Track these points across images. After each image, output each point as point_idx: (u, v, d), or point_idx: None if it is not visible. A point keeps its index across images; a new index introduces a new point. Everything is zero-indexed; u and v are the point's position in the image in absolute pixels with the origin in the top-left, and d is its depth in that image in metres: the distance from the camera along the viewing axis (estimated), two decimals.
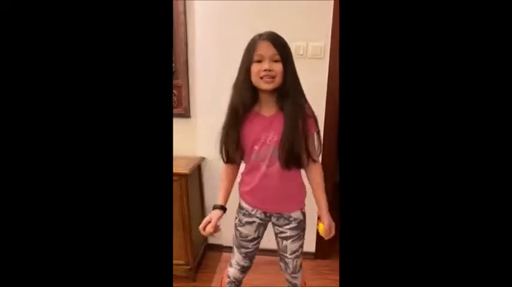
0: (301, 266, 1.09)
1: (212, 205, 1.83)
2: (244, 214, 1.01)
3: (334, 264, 1.69)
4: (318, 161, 0.97)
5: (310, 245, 1.70)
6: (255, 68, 0.84)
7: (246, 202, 1.00)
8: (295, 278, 1.09)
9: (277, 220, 1.00)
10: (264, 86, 0.84)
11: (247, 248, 1.03)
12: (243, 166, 1.01)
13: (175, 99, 1.52)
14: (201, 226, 0.93)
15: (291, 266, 1.06)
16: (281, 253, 1.05)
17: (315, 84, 1.44)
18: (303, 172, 0.98)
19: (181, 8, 1.40)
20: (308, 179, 0.99)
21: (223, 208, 0.97)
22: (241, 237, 1.02)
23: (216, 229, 0.92)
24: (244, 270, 1.07)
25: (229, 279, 1.09)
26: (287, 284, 1.13)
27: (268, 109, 0.90)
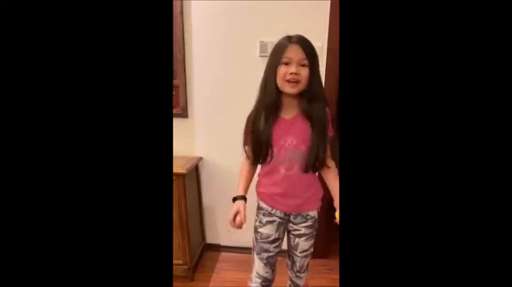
0: (308, 267, 1.09)
1: (210, 205, 1.84)
2: (264, 214, 1.01)
3: (331, 263, 1.69)
4: (334, 165, 0.98)
5: None
6: (282, 70, 0.84)
7: (266, 203, 1.00)
8: (299, 277, 1.09)
9: (294, 218, 1.00)
10: (288, 90, 0.85)
11: (269, 251, 1.01)
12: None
13: (173, 99, 1.52)
14: (230, 218, 0.91)
15: (298, 264, 1.06)
16: (291, 250, 1.06)
17: None
18: None
19: (178, 9, 1.41)
20: (323, 175, 0.99)
21: (244, 198, 0.96)
22: (262, 239, 1.01)
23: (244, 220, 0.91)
24: (265, 283, 1.03)
25: None
26: (289, 283, 1.13)
27: (289, 112, 0.91)
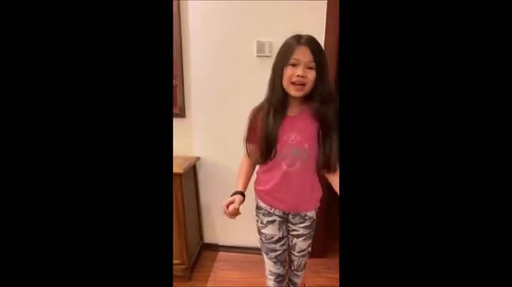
0: (305, 265, 1.10)
1: (208, 205, 1.84)
2: (264, 214, 1.01)
3: (329, 262, 1.70)
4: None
5: None
6: (288, 71, 0.83)
7: (264, 201, 1.00)
8: (296, 276, 1.10)
9: (293, 218, 1.01)
10: (293, 93, 0.85)
11: (276, 250, 1.02)
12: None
13: None
14: (224, 203, 0.89)
15: (295, 263, 1.07)
16: (289, 250, 1.06)
17: None
18: None
19: (175, 9, 1.41)
20: (329, 178, 0.98)
21: (242, 194, 0.94)
22: (267, 240, 1.01)
23: (238, 211, 0.89)
24: (279, 279, 1.05)
25: None
26: (286, 281, 1.14)
27: (293, 109, 0.91)
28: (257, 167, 1.02)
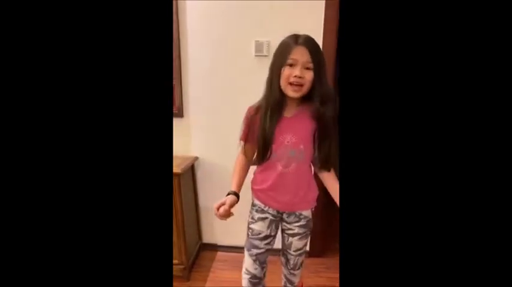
0: (302, 264, 1.09)
1: (206, 205, 1.84)
2: (257, 210, 1.01)
3: (328, 262, 1.70)
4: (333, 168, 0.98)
5: None
6: (286, 71, 0.83)
7: (259, 199, 1.00)
8: (293, 275, 1.09)
9: (287, 217, 1.00)
10: (291, 94, 0.84)
11: (259, 247, 1.02)
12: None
13: None
14: (215, 205, 0.89)
15: (291, 262, 1.06)
16: (285, 249, 1.06)
17: None
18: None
19: (174, 8, 1.41)
20: (323, 177, 0.99)
21: (236, 195, 0.94)
22: (253, 235, 1.01)
23: (229, 213, 0.89)
24: (254, 280, 1.04)
25: None
26: (284, 280, 1.13)
27: (290, 110, 0.90)
28: (255, 167, 1.02)
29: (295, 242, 1.02)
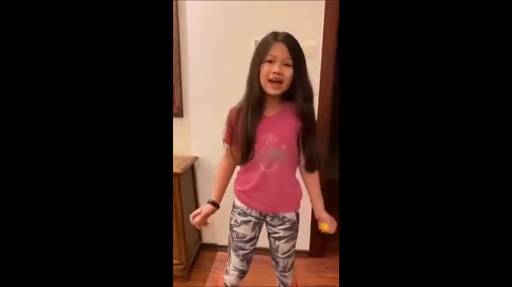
0: (292, 265, 1.09)
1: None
2: (239, 213, 1.00)
3: (328, 262, 1.70)
4: (317, 169, 0.98)
5: (304, 243, 1.71)
6: (265, 68, 0.82)
7: (242, 201, 0.99)
8: (285, 277, 1.09)
9: (271, 220, 0.99)
10: (270, 91, 0.84)
11: (245, 249, 1.01)
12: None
13: None
14: (191, 215, 0.94)
15: (281, 265, 1.05)
16: (273, 252, 1.05)
17: None
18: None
19: (174, 8, 1.40)
20: (305, 180, 1.00)
21: (215, 205, 0.97)
22: (238, 238, 1.01)
23: (205, 222, 0.94)
24: (242, 275, 1.05)
25: None
26: (278, 282, 1.13)
27: (271, 109, 0.90)
28: (238, 167, 1.02)
29: (282, 246, 1.01)
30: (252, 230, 1.00)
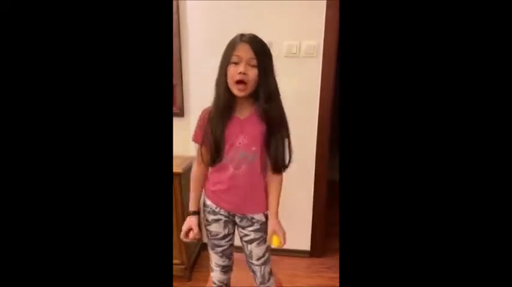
0: (271, 273, 1.08)
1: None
2: (209, 212, 1.00)
3: (329, 262, 1.70)
4: (282, 172, 0.95)
5: (305, 243, 1.71)
6: (231, 69, 0.83)
7: (211, 200, 0.99)
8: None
9: (240, 221, 0.99)
10: (236, 93, 0.84)
11: (221, 246, 1.03)
12: None
13: None
14: (182, 235, 0.97)
15: (258, 274, 1.04)
16: (248, 260, 1.04)
17: (308, 83, 1.45)
18: None
19: (174, 7, 1.40)
20: (268, 181, 0.98)
21: (197, 213, 0.99)
22: (212, 236, 1.02)
23: (198, 235, 0.96)
24: (225, 270, 1.07)
25: (215, 285, 1.09)
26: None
27: (243, 111, 0.90)
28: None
29: (255, 250, 1.00)
30: (224, 228, 1.00)
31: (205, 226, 1.03)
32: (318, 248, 1.72)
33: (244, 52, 0.82)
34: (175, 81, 1.50)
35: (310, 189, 1.60)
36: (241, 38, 0.83)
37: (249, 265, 1.06)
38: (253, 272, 1.05)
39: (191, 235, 0.95)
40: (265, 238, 1.01)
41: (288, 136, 0.93)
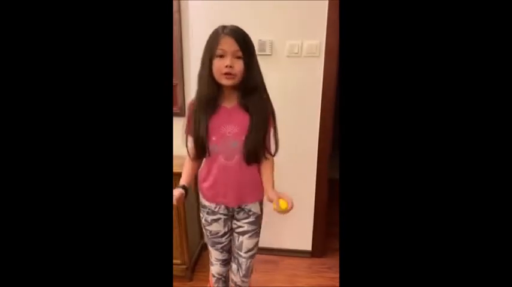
0: (251, 270, 1.09)
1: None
2: (208, 213, 1.01)
3: (330, 262, 1.69)
4: (271, 157, 0.96)
5: (306, 243, 1.70)
6: (216, 63, 0.83)
7: (208, 199, 0.99)
8: (245, 282, 1.08)
9: (237, 214, 1.00)
10: (226, 82, 0.84)
11: (221, 243, 1.04)
12: None
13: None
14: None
15: (244, 267, 1.05)
16: (236, 251, 1.05)
17: (310, 82, 1.45)
18: None
19: (175, 7, 1.40)
20: (260, 172, 0.98)
21: (185, 188, 0.93)
22: (212, 235, 1.03)
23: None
24: (225, 263, 1.09)
25: (215, 277, 1.11)
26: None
27: (229, 101, 0.90)
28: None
29: (246, 241, 1.01)
30: (224, 226, 1.01)
31: (204, 226, 1.03)
32: (319, 248, 1.71)
33: (228, 45, 0.82)
34: (176, 81, 1.49)
35: (311, 189, 1.60)
36: (224, 30, 0.83)
37: (236, 256, 1.06)
38: (239, 264, 1.05)
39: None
40: (258, 232, 1.03)
41: (274, 127, 0.93)
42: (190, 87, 1.53)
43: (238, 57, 0.83)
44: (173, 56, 1.46)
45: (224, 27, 0.84)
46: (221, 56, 0.82)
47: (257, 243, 1.05)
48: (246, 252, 1.03)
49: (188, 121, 0.94)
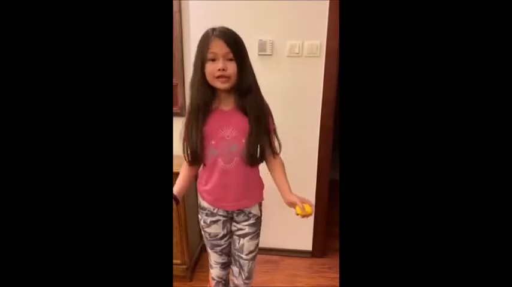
0: (253, 272, 1.08)
1: None
2: (207, 214, 0.99)
3: (330, 262, 1.69)
4: (279, 156, 0.97)
5: (307, 243, 1.70)
6: (209, 67, 0.82)
7: (207, 201, 0.98)
8: (247, 284, 1.07)
9: (237, 216, 0.99)
10: (220, 86, 0.83)
11: (220, 245, 1.03)
12: None
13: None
14: None
15: (246, 269, 1.04)
16: (237, 253, 1.04)
17: (311, 82, 1.45)
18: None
19: (176, 7, 1.40)
20: (270, 171, 0.99)
21: (175, 199, 0.91)
22: (211, 237, 1.02)
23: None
24: (224, 266, 1.08)
25: (214, 280, 1.10)
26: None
27: (226, 104, 0.89)
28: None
29: (247, 244, 1.01)
30: (223, 228, 1.01)
31: (203, 228, 1.02)
32: (320, 248, 1.71)
33: (219, 48, 0.80)
34: (176, 81, 1.50)
35: (312, 189, 1.60)
36: (213, 32, 0.81)
37: (236, 258, 1.05)
38: (241, 266, 1.04)
39: None
40: (258, 233, 1.02)
41: (274, 127, 0.93)
42: None
43: (230, 59, 0.81)
44: (173, 56, 1.46)
45: (213, 29, 0.82)
46: (213, 60, 0.81)
47: (258, 244, 1.04)
48: (247, 254, 1.02)
49: (186, 128, 0.92)
